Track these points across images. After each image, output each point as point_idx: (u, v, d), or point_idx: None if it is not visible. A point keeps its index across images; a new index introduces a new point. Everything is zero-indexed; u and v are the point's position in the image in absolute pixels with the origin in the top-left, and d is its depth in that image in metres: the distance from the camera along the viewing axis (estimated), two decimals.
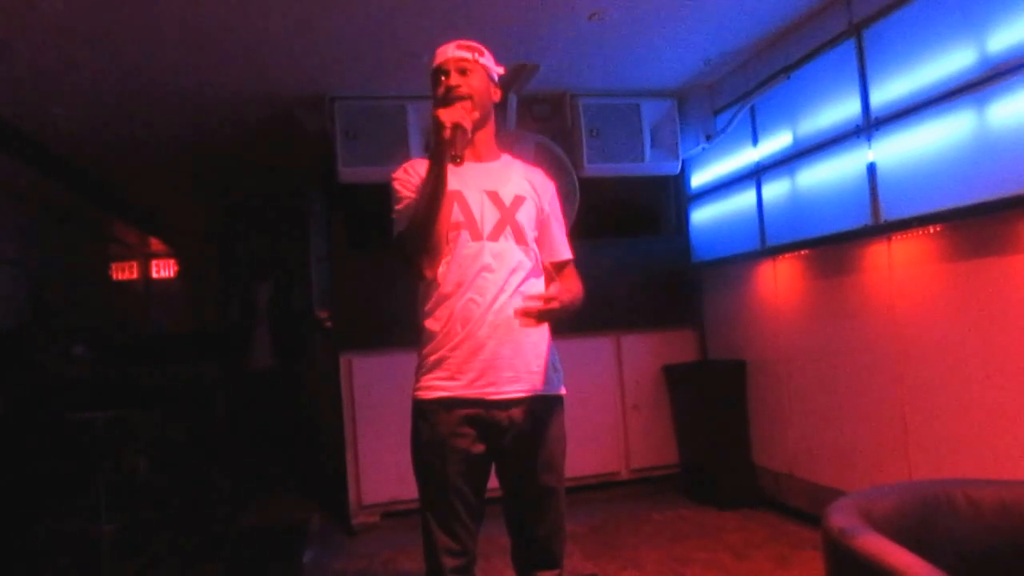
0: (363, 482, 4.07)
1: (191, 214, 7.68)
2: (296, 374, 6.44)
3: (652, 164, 4.29)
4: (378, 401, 4.05)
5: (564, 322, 1.84)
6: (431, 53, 1.97)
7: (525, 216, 1.92)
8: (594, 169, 4.19)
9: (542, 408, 1.89)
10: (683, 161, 4.40)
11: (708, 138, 4.21)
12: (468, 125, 1.80)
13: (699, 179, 4.58)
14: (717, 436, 4.16)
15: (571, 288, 1.96)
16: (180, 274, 9.39)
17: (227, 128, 4.54)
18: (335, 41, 3.37)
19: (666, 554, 3.39)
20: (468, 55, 1.90)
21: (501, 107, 4.17)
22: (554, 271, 2.03)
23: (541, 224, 1.99)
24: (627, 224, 4.85)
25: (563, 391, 1.97)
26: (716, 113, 4.23)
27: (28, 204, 6.08)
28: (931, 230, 2.87)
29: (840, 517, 1.44)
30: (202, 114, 4.27)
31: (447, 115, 1.75)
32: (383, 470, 4.01)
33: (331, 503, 4.38)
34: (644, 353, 4.54)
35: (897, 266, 3.07)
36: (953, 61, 2.69)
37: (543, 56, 3.71)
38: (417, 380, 1.91)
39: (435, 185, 1.78)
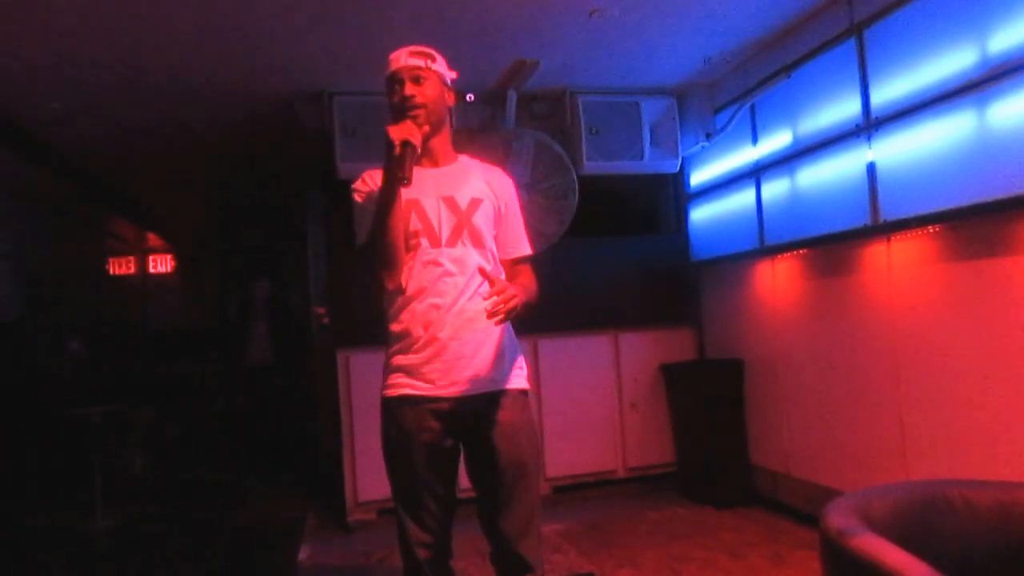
0: (359, 479, 4.07)
1: (189, 210, 7.66)
2: (293, 370, 6.43)
3: (651, 162, 4.28)
4: (375, 398, 4.01)
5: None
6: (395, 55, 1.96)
7: (482, 218, 1.95)
8: (593, 167, 4.18)
9: (505, 401, 1.93)
10: (682, 159, 4.40)
11: (708, 137, 4.20)
12: (418, 141, 1.81)
13: (698, 178, 4.58)
14: (714, 435, 4.15)
15: (524, 284, 1.97)
16: (177, 269, 9.38)
17: (226, 124, 4.53)
18: (334, 37, 3.36)
19: (663, 553, 3.39)
20: (421, 63, 1.92)
21: (500, 105, 4.18)
22: (510, 266, 2.05)
23: (499, 222, 2.02)
24: (626, 222, 4.84)
25: (527, 386, 2.01)
26: (716, 112, 4.23)
27: (25, 199, 6.07)
28: (930, 230, 2.87)
29: (838, 517, 1.44)
30: (201, 110, 4.26)
31: (396, 133, 1.79)
32: (379, 467, 3.94)
33: (327, 500, 4.37)
34: (642, 352, 4.54)
35: (896, 266, 3.07)
36: (954, 61, 2.69)
37: (543, 53, 3.70)
38: (384, 380, 1.98)
39: (386, 203, 1.81)
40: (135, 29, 3.15)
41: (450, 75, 2.00)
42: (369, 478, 4.06)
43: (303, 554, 3.69)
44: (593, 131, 4.18)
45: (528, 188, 4.15)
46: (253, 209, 7.37)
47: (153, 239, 8.99)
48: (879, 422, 3.17)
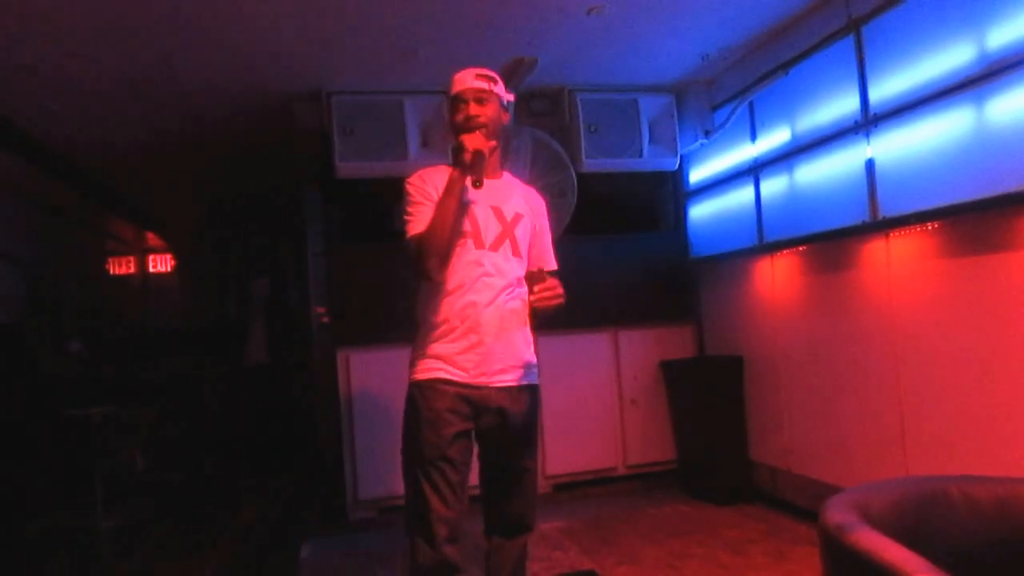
0: (360, 477, 4.07)
1: (188, 209, 7.66)
2: (292, 369, 6.43)
3: (650, 160, 4.29)
4: (375, 396, 4.05)
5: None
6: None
7: (522, 231, 2.17)
8: (592, 164, 4.18)
9: (525, 396, 2.15)
10: (681, 157, 4.40)
11: (706, 134, 4.20)
12: (487, 152, 2.04)
13: (697, 175, 4.58)
14: (714, 432, 4.16)
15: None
16: (177, 269, 9.37)
17: (224, 123, 4.52)
18: (332, 36, 3.35)
19: (663, 550, 3.40)
20: (485, 86, 2.13)
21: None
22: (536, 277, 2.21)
23: (534, 238, 2.24)
24: (625, 220, 4.84)
25: (538, 383, 2.24)
26: (714, 109, 4.23)
27: (25, 200, 6.07)
28: (929, 227, 2.87)
29: (837, 513, 1.44)
30: (199, 109, 4.26)
31: (471, 141, 2.02)
32: (380, 465, 4.01)
33: (328, 498, 4.38)
34: (642, 348, 4.54)
35: (895, 263, 3.07)
36: (952, 57, 2.69)
37: (541, 51, 3.70)
38: (415, 365, 2.13)
39: (456, 203, 2.01)
40: (134, 29, 3.15)
41: (508, 97, 2.21)
42: (370, 476, 4.07)
43: (304, 552, 3.69)
44: (592, 129, 4.18)
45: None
46: (252, 209, 7.37)
47: (152, 239, 8.98)
48: (878, 418, 3.17)
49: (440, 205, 2.02)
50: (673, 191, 4.79)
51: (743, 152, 4.04)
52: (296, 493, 4.96)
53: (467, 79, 2.13)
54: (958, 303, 2.77)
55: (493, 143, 2.10)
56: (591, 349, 4.48)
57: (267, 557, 3.80)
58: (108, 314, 7.98)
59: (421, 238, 2.03)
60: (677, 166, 4.40)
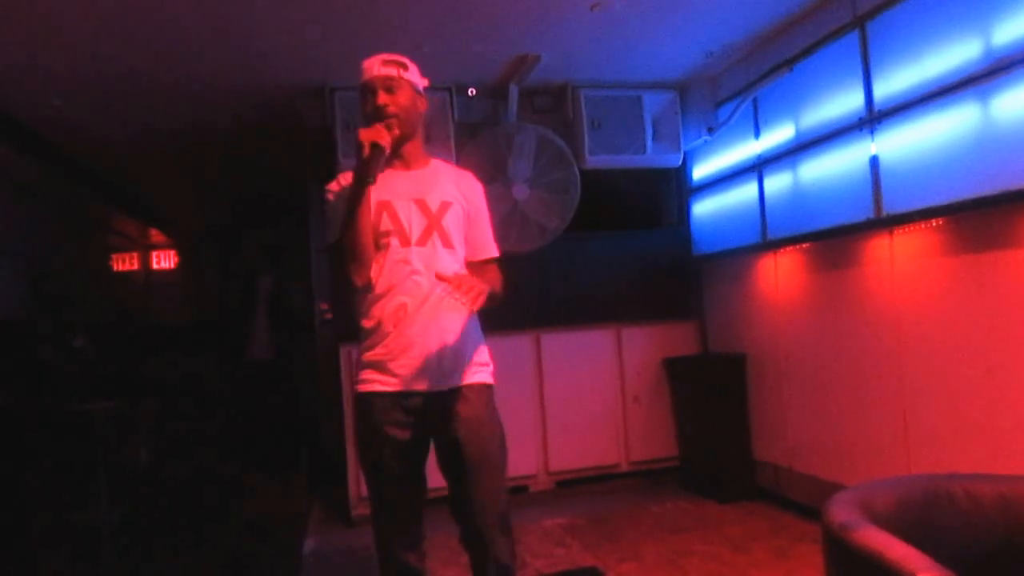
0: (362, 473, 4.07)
1: (192, 206, 7.67)
2: (295, 365, 6.44)
3: (654, 156, 4.28)
4: None
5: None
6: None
7: (452, 220, 2.04)
8: (596, 161, 4.18)
9: (469, 397, 1.99)
10: (685, 153, 4.39)
11: (710, 130, 4.19)
12: (387, 143, 1.89)
13: (701, 171, 4.57)
14: (717, 429, 4.16)
15: (490, 280, 2.02)
16: (180, 265, 9.39)
17: (227, 120, 4.53)
18: (335, 32, 3.35)
19: (665, 546, 3.40)
20: (393, 72, 1.99)
21: (502, 99, 4.17)
22: (479, 267, 2.11)
23: (469, 225, 2.11)
24: (628, 216, 4.84)
25: (490, 381, 2.08)
26: (718, 105, 4.21)
27: (28, 196, 6.08)
28: (933, 224, 2.86)
29: (840, 511, 1.44)
30: (202, 106, 4.26)
31: (366, 135, 1.88)
32: None
33: (331, 493, 4.39)
34: (644, 345, 4.54)
35: (899, 260, 3.06)
36: (957, 53, 2.68)
37: (545, 47, 3.69)
38: (356, 375, 2.05)
39: (355, 202, 1.90)
40: (137, 26, 3.15)
41: (422, 83, 2.07)
42: None
43: (307, 547, 3.71)
44: (595, 125, 4.18)
45: (530, 182, 4.15)
46: (255, 205, 7.38)
47: (156, 235, 9.00)
48: (882, 416, 3.17)
49: (346, 210, 1.92)
50: (676, 188, 4.77)
51: (747, 149, 4.03)
52: (299, 489, 4.96)
53: (374, 67, 1.99)
54: (962, 300, 2.77)
55: (396, 132, 1.94)
56: (594, 346, 4.47)
57: (270, 553, 3.81)
58: (112, 310, 8.00)
59: (335, 245, 1.98)
60: (680, 163, 4.39)
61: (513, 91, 4.11)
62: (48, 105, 4.03)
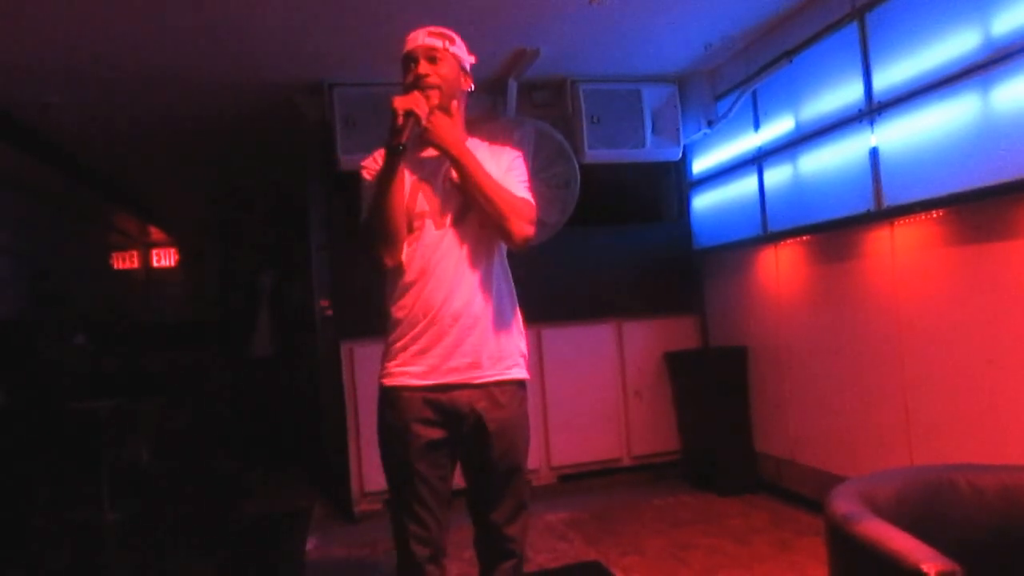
0: (365, 470, 4.08)
1: (191, 203, 7.66)
2: (296, 362, 6.45)
3: (653, 150, 4.27)
4: (377, 389, 4.04)
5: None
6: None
7: None
8: (595, 155, 4.16)
9: (503, 394, 1.89)
10: (684, 147, 4.38)
11: (709, 124, 4.18)
12: (422, 113, 1.78)
13: (700, 165, 4.56)
14: (718, 422, 4.16)
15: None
16: (181, 263, 9.39)
17: (226, 116, 4.52)
18: (334, 27, 3.34)
19: (667, 540, 3.40)
20: (438, 43, 1.88)
21: (501, 93, 4.16)
22: None
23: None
24: (628, 210, 4.82)
25: (526, 376, 1.97)
26: (717, 98, 4.20)
27: (28, 194, 6.07)
28: (934, 215, 2.86)
29: (842, 503, 1.44)
30: (201, 102, 4.25)
31: (400, 102, 1.78)
32: None
33: (333, 491, 4.39)
34: (645, 340, 4.54)
35: (899, 251, 3.06)
36: (957, 44, 2.67)
37: (543, 41, 3.68)
38: (382, 367, 1.94)
39: (386, 174, 1.79)
40: (135, 23, 3.14)
41: (469, 60, 1.97)
42: (375, 469, 4.02)
43: (310, 545, 3.71)
44: (594, 119, 4.17)
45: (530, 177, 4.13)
46: (255, 202, 7.37)
47: (156, 233, 9.00)
48: (883, 407, 3.17)
49: (376, 184, 1.81)
50: (676, 181, 4.77)
51: (746, 142, 4.02)
52: (301, 485, 4.97)
53: (419, 37, 1.89)
54: (963, 292, 2.76)
55: (435, 101, 1.82)
56: (595, 340, 4.47)
57: (273, 549, 3.81)
58: (112, 308, 8.01)
59: (365, 223, 1.87)
60: (680, 156, 4.38)
61: (512, 86, 4.09)
62: (47, 103, 4.02)
